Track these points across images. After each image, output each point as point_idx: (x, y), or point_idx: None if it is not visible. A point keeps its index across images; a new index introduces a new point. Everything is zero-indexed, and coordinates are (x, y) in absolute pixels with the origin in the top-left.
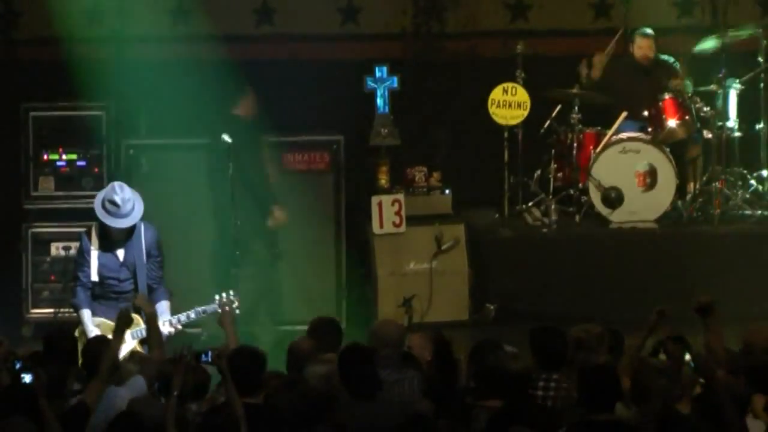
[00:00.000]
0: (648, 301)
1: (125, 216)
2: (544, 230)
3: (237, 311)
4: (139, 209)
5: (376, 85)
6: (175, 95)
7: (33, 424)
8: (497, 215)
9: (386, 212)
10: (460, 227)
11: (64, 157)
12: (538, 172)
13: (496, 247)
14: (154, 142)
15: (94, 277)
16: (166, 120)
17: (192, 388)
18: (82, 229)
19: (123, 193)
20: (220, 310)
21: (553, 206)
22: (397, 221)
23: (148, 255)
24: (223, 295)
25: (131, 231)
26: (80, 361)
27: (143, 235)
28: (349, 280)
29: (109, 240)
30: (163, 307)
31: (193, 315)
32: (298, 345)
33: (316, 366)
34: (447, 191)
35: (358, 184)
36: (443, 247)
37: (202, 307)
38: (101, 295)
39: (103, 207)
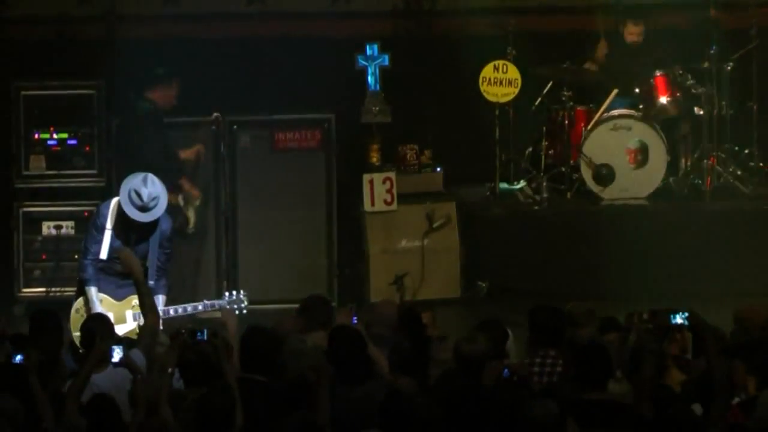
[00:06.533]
0: (640, 277)
1: (147, 210)
2: (536, 207)
3: (245, 311)
4: (162, 205)
5: (366, 63)
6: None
7: (19, 402)
8: (488, 193)
9: (377, 190)
10: (452, 205)
11: (55, 135)
12: (530, 149)
13: (488, 225)
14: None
15: (104, 255)
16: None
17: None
18: (83, 208)
19: (151, 187)
20: (228, 307)
21: (544, 183)
22: (389, 199)
23: (160, 245)
24: (234, 293)
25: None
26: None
27: (160, 226)
28: (341, 258)
29: (126, 223)
30: (158, 301)
31: (200, 307)
32: (281, 325)
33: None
34: (438, 169)
35: (349, 162)
36: (435, 225)
37: (211, 301)
38: (103, 269)
39: (129, 195)
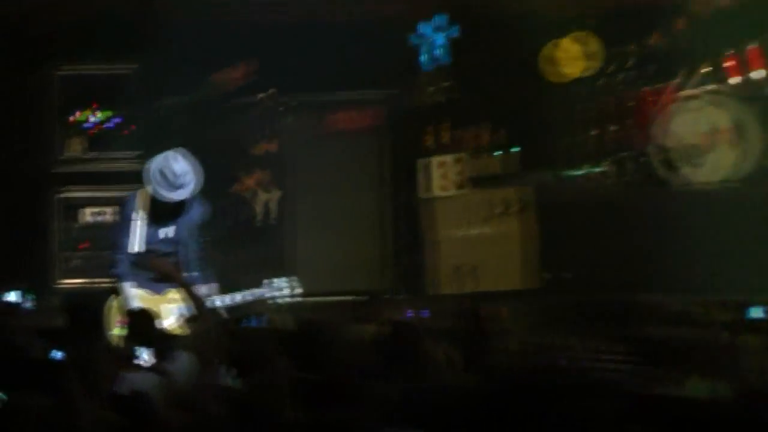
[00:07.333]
0: (719, 268)
1: (178, 188)
2: (606, 192)
3: (288, 299)
4: (194, 181)
5: (425, 39)
6: (211, 52)
7: (50, 401)
8: (555, 177)
9: (436, 174)
10: (517, 190)
11: (93, 117)
12: (598, 129)
13: (556, 211)
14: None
15: (137, 248)
16: (200, 77)
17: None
18: (125, 192)
19: (180, 164)
20: (270, 295)
21: (614, 167)
22: (448, 183)
23: (195, 233)
24: (275, 280)
25: (182, 204)
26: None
27: (194, 211)
28: (397, 249)
29: (157, 210)
30: (203, 292)
31: (249, 296)
32: (332, 318)
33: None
34: (500, 151)
35: (408, 144)
36: (499, 212)
37: (251, 290)
38: (137, 263)
39: (156, 175)
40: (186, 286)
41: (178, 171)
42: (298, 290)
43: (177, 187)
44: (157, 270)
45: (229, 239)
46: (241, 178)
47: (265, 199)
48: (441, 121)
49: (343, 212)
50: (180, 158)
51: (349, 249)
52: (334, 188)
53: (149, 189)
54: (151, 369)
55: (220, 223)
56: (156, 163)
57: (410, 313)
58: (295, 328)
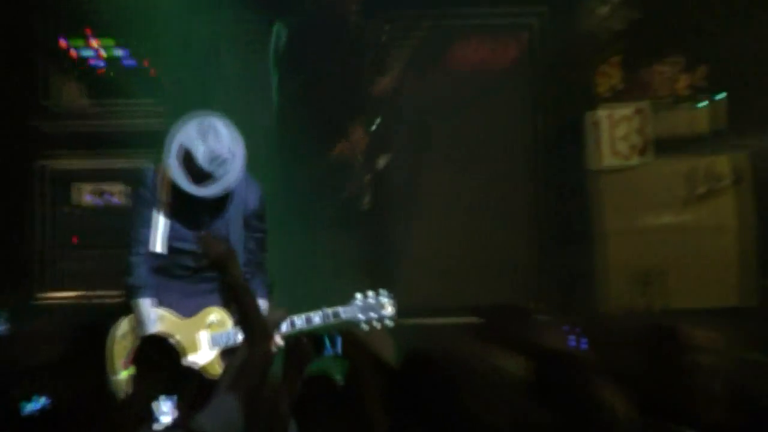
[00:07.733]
0: None
1: (208, 179)
2: None
3: (389, 323)
4: (237, 167)
5: None
6: None
7: None
8: None
9: (611, 135)
10: (733, 158)
11: (96, 47)
12: None
13: None
14: (244, 25)
15: (160, 248)
16: None
17: None
18: (146, 165)
19: (216, 142)
20: (362, 317)
21: None
22: (624, 148)
23: (246, 225)
24: (369, 295)
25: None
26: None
27: (242, 195)
28: (551, 243)
29: (188, 197)
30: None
31: (317, 319)
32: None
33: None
34: (702, 101)
35: (566, 90)
36: (697, 192)
37: (333, 309)
38: (164, 268)
39: (178, 156)
40: (241, 291)
41: (210, 155)
42: (390, 310)
43: (207, 178)
44: (208, 250)
45: (309, 231)
46: (333, 141)
47: (365, 172)
48: (612, 55)
49: (468, 190)
50: (216, 133)
51: (476, 245)
52: (457, 155)
53: (169, 171)
54: (175, 427)
55: (292, 210)
56: (181, 133)
57: (570, 340)
58: (398, 360)
